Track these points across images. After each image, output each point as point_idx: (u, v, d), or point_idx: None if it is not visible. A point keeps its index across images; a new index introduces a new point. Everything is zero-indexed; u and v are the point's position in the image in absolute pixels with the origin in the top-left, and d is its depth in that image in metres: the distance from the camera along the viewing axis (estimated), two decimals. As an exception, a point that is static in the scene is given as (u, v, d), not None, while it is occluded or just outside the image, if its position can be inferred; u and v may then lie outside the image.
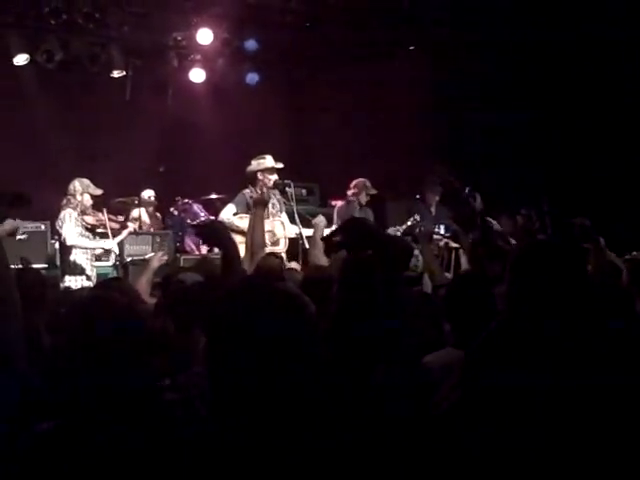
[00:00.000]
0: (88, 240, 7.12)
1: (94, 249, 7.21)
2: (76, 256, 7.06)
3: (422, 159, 9.39)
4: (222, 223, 4.26)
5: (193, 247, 8.64)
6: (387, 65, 9.67)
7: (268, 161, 7.40)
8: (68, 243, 6.96)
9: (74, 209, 7.03)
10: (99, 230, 7.41)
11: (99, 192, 7.15)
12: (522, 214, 4.11)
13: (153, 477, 1.76)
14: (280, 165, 7.46)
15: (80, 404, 1.88)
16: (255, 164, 7.36)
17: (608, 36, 8.07)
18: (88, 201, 7.10)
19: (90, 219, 7.21)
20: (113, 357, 1.92)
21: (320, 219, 5.52)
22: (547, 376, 1.97)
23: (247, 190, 7.44)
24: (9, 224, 5.72)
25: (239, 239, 7.24)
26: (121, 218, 7.81)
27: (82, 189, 7.06)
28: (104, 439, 1.82)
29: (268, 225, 7.38)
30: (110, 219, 7.41)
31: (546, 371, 1.98)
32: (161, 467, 1.70)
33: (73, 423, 1.87)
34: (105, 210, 7.29)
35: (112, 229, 7.40)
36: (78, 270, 7.02)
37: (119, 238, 7.38)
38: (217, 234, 3.12)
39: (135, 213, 8.44)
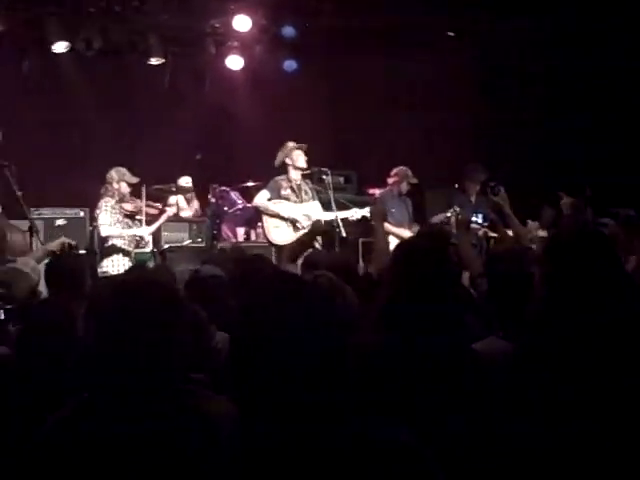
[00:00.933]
0: (121, 229, 7.21)
1: (140, 238, 7.34)
2: (114, 242, 7.18)
3: (462, 148, 9.31)
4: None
5: (230, 234, 8.67)
6: (429, 52, 9.53)
7: (289, 144, 7.53)
8: (102, 234, 7.14)
9: (112, 197, 7.19)
10: (138, 217, 7.48)
11: (135, 180, 7.27)
12: (569, 203, 4.04)
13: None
14: (303, 145, 7.50)
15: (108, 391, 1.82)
16: (280, 154, 7.53)
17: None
18: (125, 189, 7.24)
19: (129, 206, 7.33)
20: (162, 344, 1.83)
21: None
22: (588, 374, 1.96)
23: (279, 177, 7.55)
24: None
25: (274, 223, 7.53)
26: (160, 205, 7.83)
27: (118, 177, 7.21)
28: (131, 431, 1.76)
29: (302, 209, 7.42)
30: (149, 205, 7.51)
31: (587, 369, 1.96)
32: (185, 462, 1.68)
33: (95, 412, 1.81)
34: (144, 197, 7.36)
35: (150, 215, 7.48)
36: (116, 255, 7.14)
37: (154, 226, 7.47)
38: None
39: (172, 200, 8.52)
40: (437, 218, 7.80)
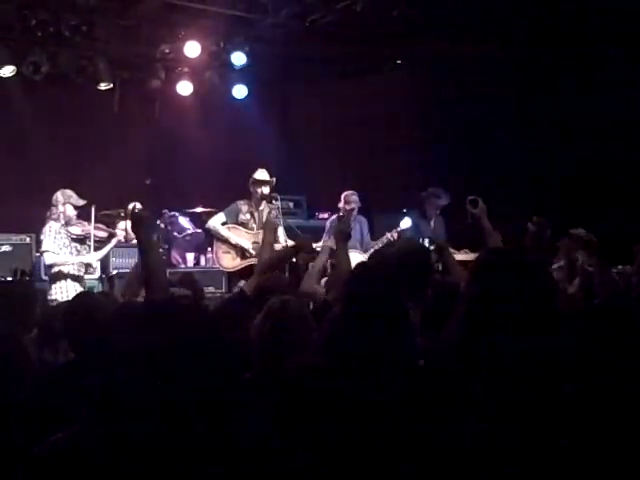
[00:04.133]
0: (68, 254, 7.07)
1: (88, 265, 7.19)
2: (61, 268, 7.03)
3: (411, 172, 9.45)
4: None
5: (179, 260, 8.63)
6: (375, 79, 9.71)
7: (257, 174, 7.55)
8: (47, 262, 7.00)
9: (56, 220, 7.05)
10: (89, 242, 7.35)
11: (82, 203, 7.15)
12: (534, 222, 4.05)
13: None
14: (265, 177, 7.53)
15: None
16: (251, 178, 7.54)
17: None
18: (71, 211, 7.10)
19: (76, 230, 7.19)
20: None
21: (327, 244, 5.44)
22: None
23: (242, 201, 7.56)
24: None
25: (224, 248, 7.55)
26: (112, 230, 7.73)
27: (64, 200, 7.09)
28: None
29: (255, 237, 7.45)
30: (98, 228, 7.38)
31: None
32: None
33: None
34: (93, 220, 7.25)
35: (100, 239, 7.37)
36: (64, 282, 6.98)
37: (103, 251, 7.35)
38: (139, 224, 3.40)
39: (121, 225, 8.37)
40: (384, 238, 7.93)
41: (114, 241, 7.41)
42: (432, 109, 9.45)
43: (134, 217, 3.45)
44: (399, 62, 9.69)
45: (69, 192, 7.14)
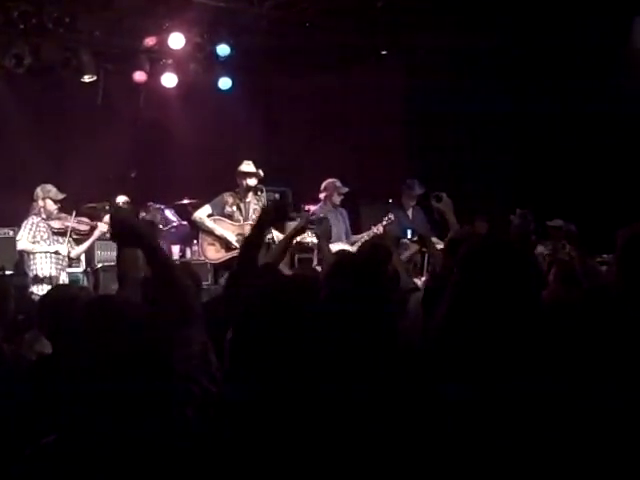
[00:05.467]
0: (38, 245, 7.10)
1: (55, 253, 7.17)
2: (39, 261, 7.06)
3: (395, 163, 9.50)
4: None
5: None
6: (361, 70, 9.67)
7: (243, 166, 7.58)
8: (17, 248, 7.07)
9: (37, 215, 7.16)
10: (75, 235, 7.41)
11: (61, 197, 7.22)
12: (518, 214, 4.06)
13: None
14: (252, 169, 7.54)
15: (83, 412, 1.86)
16: (237, 170, 7.55)
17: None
18: (51, 206, 7.17)
19: (56, 224, 7.21)
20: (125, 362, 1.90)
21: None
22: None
23: (228, 193, 7.58)
24: None
25: (209, 240, 7.54)
26: (89, 221, 7.68)
27: (43, 194, 7.18)
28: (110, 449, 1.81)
29: (240, 229, 7.45)
30: (80, 221, 7.38)
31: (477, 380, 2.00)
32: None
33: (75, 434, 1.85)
34: (74, 214, 7.27)
35: (81, 232, 7.37)
36: (42, 276, 7.01)
37: (85, 244, 7.38)
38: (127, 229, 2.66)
39: (107, 219, 8.36)
40: (369, 232, 7.95)
41: (96, 234, 7.41)
42: (418, 100, 9.43)
43: (113, 216, 3.26)
44: (384, 53, 9.68)
45: (49, 187, 7.20)
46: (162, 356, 1.98)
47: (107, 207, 8.28)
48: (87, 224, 7.47)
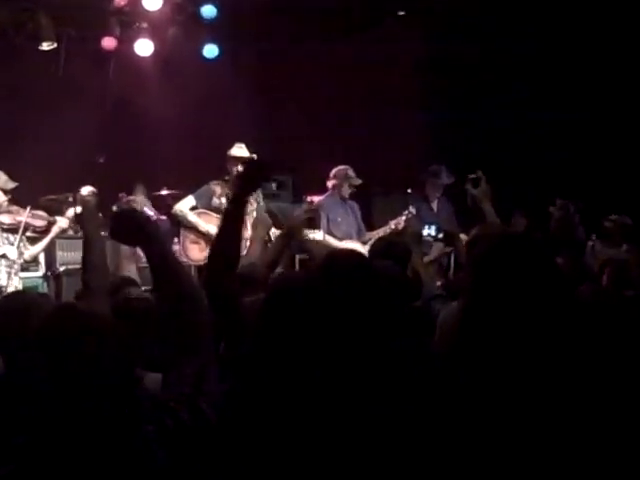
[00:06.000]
0: None
1: (2, 257, 7.03)
2: None
3: (415, 145, 9.31)
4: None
5: (140, 253, 8.40)
6: (372, 36, 9.58)
7: (234, 149, 7.57)
8: None
9: None
10: (30, 234, 7.29)
11: (12, 186, 7.13)
12: (558, 205, 3.97)
13: None
14: (244, 153, 7.51)
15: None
16: (227, 154, 7.55)
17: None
18: (0, 197, 7.04)
19: (5, 218, 7.07)
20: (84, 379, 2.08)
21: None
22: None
23: (215, 182, 7.57)
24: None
25: (192, 237, 7.45)
26: (47, 215, 7.53)
27: None
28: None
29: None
30: (35, 216, 7.24)
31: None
32: None
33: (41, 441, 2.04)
34: (28, 208, 7.13)
35: (36, 229, 7.25)
36: None
37: (41, 244, 7.27)
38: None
39: (70, 213, 8.21)
40: (385, 228, 7.88)
41: (54, 231, 7.31)
42: (441, 71, 9.36)
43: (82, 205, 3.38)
44: (401, 14, 9.58)
45: None
46: (125, 377, 2.16)
47: (70, 199, 8.14)
48: (44, 219, 7.34)
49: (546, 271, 2.19)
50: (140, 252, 8.13)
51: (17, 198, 7.29)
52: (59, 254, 7.78)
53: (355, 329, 2.46)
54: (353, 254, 3.10)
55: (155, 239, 2.54)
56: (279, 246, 4.69)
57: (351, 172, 8.07)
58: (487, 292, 2.19)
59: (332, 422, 2.18)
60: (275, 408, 2.19)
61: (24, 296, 3.83)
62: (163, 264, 2.50)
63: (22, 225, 7.09)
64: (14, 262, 7.08)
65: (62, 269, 7.70)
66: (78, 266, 7.68)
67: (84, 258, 3.31)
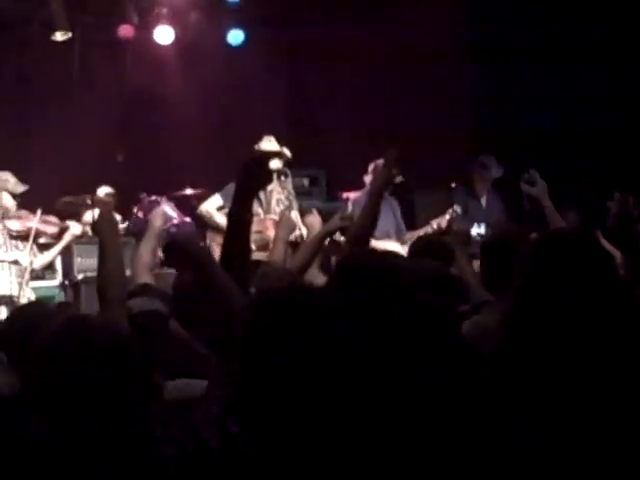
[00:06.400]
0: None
1: (14, 263, 7.08)
2: None
3: (459, 137, 9.35)
4: (187, 237, 4.20)
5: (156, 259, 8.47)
6: (412, 16, 9.54)
7: (264, 143, 7.59)
8: None
9: None
10: (43, 240, 7.35)
11: (22, 189, 7.18)
12: (616, 199, 3.99)
13: None
14: (274, 147, 7.52)
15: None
16: (255, 147, 7.53)
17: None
18: (8, 201, 7.14)
19: (15, 224, 7.13)
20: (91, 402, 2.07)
21: (314, 217, 5.47)
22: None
23: None
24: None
25: (219, 239, 7.36)
26: (57, 221, 7.55)
27: None
28: None
29: (260, 225, 7.31)
30: (46, 222, 7.28)
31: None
32: None
33: None
34: (39, 212, 7.15)
35: (48, 235, 7.30)
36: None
37: (54, 250, 7.32)
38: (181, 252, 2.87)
39: (88, 217, 8.27)
40: (427, 228, 7.87)
41: (67, 238, 7.35)
42: (489, 54, 9.39)
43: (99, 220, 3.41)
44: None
45: (6, 176, 7.17)
46: (140, 397, 2.15)
47: (88, 201, 8.21)
48: (55, 225, 7.37)
49: (604, 272, 2.20)
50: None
51: (29, 201, 7.34)
52: (77, 260, 7.77)
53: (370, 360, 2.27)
54: (373, 257, 2.98)
55: (205, 265, 2.74)
56: (310, 251, 4.75)
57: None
58: (540, 295, 2.19)
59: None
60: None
61: (36, 308, 3.94)
62: (212, 287, 2.71)
63: (32, 231, 7.11)
64: (25, 270, 7.12)
65: (80, 277, 7.68)
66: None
67: (99, 266, 3.29)
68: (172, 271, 7.06)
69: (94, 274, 7.33)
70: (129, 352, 2.17)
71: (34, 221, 7.14)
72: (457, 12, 9.58)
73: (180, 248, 2.81)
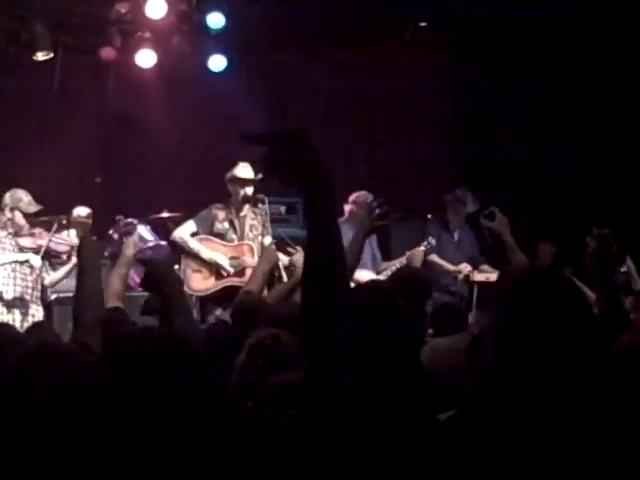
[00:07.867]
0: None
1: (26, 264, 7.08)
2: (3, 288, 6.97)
3: (437, 168, 9.48)
4: (162, 262, 4.25)
5: (137, 280, 8.50)
6: (392, 47, 9.71)
7: (238, 170, 7.48)
8: None
9: (2, 229, 7.04)
10: (55, 260, 7.43)
11: (33, 209, 7.13)
12: (595, 235, 3.98)
13: None
14: (249, 175, 7.46)
15: None
16: (228, 174, 7.48)
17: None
18: (20, 220, 7.06)
19: (26, 242, 7.12)
20: None
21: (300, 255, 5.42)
22: None
23: (218, 205, 7.56)
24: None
25: (194, 265, 7.48)
26: (71, 241, 7.56)
27: (12, 204, 7.06)
28: None
29: (234, 251, 7.37)
30: (58, 240, 7.28)
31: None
32: None
33: None
34: (54, 228, 7.17)
35: (59, 254, 7.34)
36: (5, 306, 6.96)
37: (64, 270, 7.33)
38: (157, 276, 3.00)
39: (64, 236, 8.31)
40: (402, 259, 7.85)
41: (75, 260, 7.27)
42: (467, 86, 9.48)
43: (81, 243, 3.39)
44: (423, 25, 9.63)
45: (20, 194, 7.11)
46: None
47: (64, 221, 8.24)
48: (67, 244, 7.35)
49: (578, 316, 2.13)
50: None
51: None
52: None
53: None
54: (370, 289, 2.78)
55: (169, 285, 2.88)
56: (289, 288, 4.84)
57: (371, 199, 8.11)
58: (511, 337, 2.12)
59: None
60: None
61: (7, 330, 3.82)
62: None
63: (42, 249, 7.10)
64: (33, 288, 7.15)
65: (54, 297, 7.61)
66: (71, 294, 7.81)
67: (77, 289, 3.29)
68: (142, 294, 7.22)
69: (67, 295, 7.46)
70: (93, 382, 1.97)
71: (46, 239, 7.12)
72: (441, 52, 9.71)
73: (156, 271, 2.89)
